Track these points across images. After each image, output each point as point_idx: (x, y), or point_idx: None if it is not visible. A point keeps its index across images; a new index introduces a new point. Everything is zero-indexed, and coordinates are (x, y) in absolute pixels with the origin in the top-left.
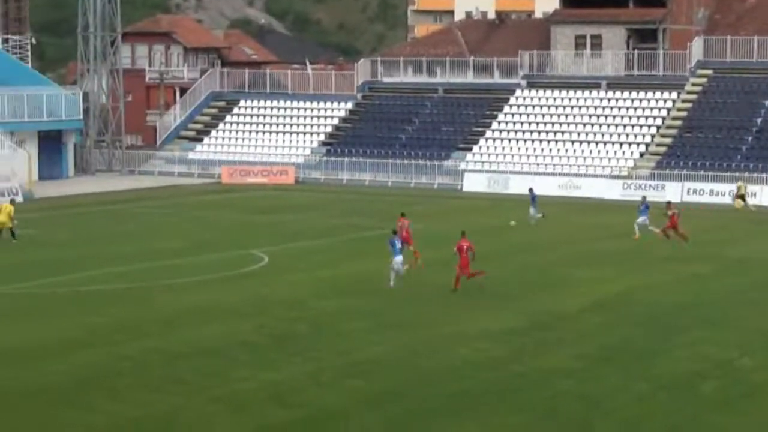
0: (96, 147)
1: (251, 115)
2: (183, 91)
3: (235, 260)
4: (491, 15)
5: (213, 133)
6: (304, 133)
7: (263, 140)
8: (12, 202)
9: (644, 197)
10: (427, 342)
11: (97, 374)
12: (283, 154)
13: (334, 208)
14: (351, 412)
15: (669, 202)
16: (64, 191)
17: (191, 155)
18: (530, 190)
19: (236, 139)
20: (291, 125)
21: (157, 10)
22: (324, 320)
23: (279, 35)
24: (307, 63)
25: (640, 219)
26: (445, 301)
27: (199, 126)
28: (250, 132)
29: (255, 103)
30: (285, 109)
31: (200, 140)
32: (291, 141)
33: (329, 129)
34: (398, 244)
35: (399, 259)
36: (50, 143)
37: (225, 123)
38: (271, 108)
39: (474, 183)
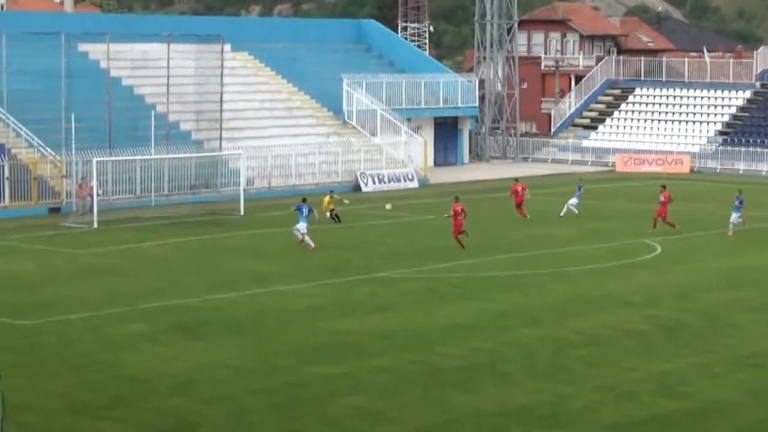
0: (491, 134)
1: (646, 104)
2: (578, 78)
3: (627, 249)
4: None
5: (608, 121)
6: (700, 122)
7: (658, 129)
8: (331, 193)
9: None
10: None
11: (487, 360)
12: (678, 143)
13: (729, 198)
14: (744, 405)
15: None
16: (457, 177)
17: (585, 143)
18: (580, 179)
19: (631, 127)
20: (687, 114)
21: None
22: (716, 312)
23: (676, 22)
24: (705, 51)
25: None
26: None
27: (593, 114)
28: (645, 120)
29: (650, 91)
30: (681, 97)
31: (594, 128)
32: (686, 130)
33: (726, 118)
34: (305, 211)
35: (302, 225)
36: (446, 130)
37: (620, 111)
38: (667, 96)
39: None
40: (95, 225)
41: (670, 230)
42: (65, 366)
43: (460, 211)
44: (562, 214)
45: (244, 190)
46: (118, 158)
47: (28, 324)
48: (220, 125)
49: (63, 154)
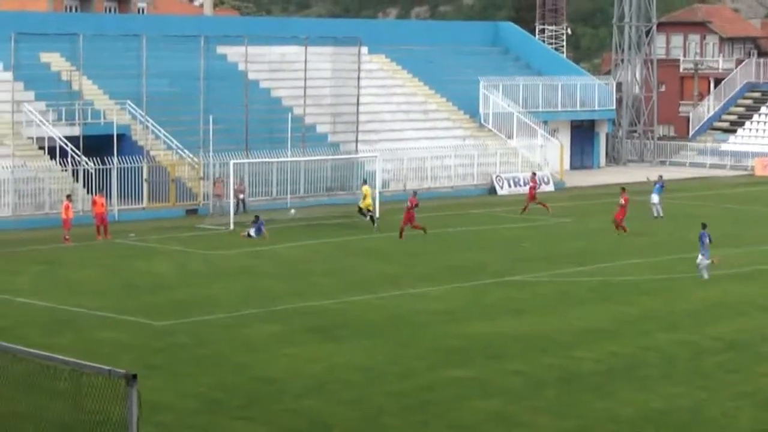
0: (628, 137)
1: None
2: (717, 81)
3: (767, 254)
4: None
5: (747, 124)
6: None
7: None
8: (364, 182)
9: None
10: None
11: (624, 364)
12: None
13: None
14: None
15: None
16: (594, 181)
17: (724, 146)
18: (660, 176)
19: None
20: None
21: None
22: None
23: None
24: None
25: None
26: None
27: (732, 117)
28: None
29: None
30: None
31: (733, 131)
32: None
33: None
34: (263, 230)
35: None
36: (582, 133)
37: (759, 114)
38: None
39: None
40: (231, 227)
41: None
42: (200, 366)
43: (413, 205)
44: (655, 215)
45: (380, 192)
46: (254, 160)
47: (164, 324)
48: (357, 128)
49: (201, 156)
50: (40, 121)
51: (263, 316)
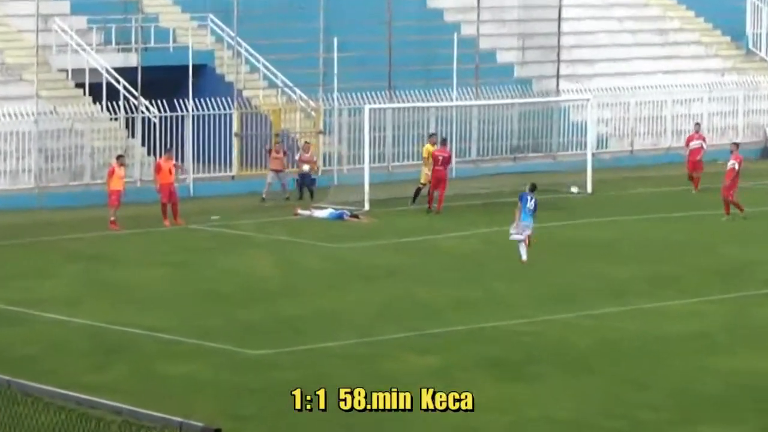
0: None
1: None
2: None
3: None
4: None
5: None
6: None
7: None
8: (432, 137)
9: None
10: None
11: None
12: None
13: None
14: None
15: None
16: None
17: None
18: None
19: None
20: None
21: None
22: None
23: None
24: None
25: None
26: None
27: None
28: None
29: None
30: None
31: None
32: None
33: None
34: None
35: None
36: None
37: None
38: None
39: None
40: (367, 206)
41: None
42: (315, 418)
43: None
44: None
45: (593, 154)
46: (401, 105)
47: (263, 354)
48: (558, 56)
49: (320, 99)
50: (77, 45)
51: (413, 341)
